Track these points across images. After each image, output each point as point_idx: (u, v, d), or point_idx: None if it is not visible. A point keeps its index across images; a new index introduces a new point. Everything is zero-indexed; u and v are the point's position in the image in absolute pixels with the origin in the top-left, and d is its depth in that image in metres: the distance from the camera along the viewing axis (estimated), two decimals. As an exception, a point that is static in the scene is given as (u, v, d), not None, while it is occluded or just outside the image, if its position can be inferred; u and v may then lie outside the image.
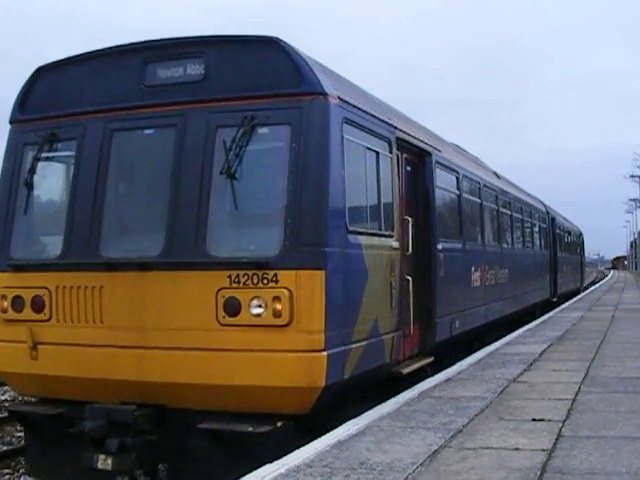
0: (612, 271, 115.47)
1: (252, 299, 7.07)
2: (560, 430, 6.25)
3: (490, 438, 6.01)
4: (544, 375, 9.33)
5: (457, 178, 12.59)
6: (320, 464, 5.34)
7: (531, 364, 10.33)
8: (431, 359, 10.50)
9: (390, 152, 9.09)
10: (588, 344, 12.59)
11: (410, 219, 9.92)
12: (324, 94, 7.37)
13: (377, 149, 8.66)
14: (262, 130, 7.45)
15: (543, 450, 5.59)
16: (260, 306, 7.06)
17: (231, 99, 7.54)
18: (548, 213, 26.16)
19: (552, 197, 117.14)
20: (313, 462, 5.40)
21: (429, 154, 10.81)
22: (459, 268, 12.24)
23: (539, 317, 20.12)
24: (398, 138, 9.44)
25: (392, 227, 8.97)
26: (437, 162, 11.14)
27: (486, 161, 20.39)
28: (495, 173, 17.72)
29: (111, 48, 8.19)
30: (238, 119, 7.37)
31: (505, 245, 16.92)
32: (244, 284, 7.11)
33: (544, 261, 24.10)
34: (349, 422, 7.03)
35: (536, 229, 22.93)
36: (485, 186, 14.96)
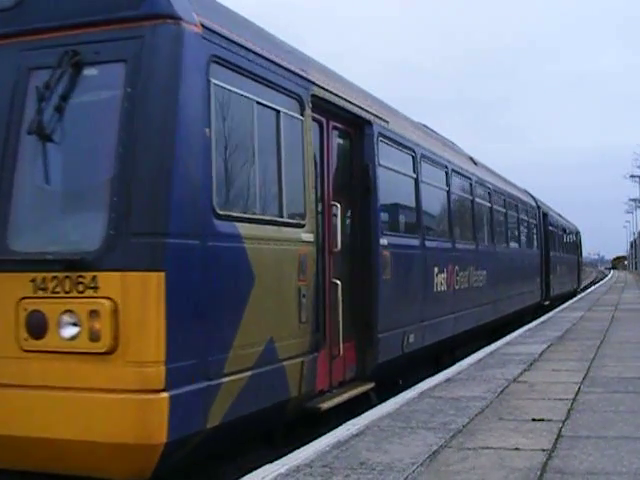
0: (612, 271, 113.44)
1: (62, 314, 4.87)
2: (560, 430, 6.16)
3: (490, 438, 5.92)
4: (544, 375, 9.16)
5: (413, 158, 10.26)
6: (320, 464, 5.20)
7: (531, 364, 10.09)
8: (370, 385, 8.24)
9: (301, 114, 6.85)
10: (588, 344, 12.34)
11: (339, 205, 7.70)
12: (175, 18, 5.14)
13: (277, 107, 6.42)
14: (89, 71, 5.21)
15: (543, 450, 5.51)
16: (74, 324, 4.86)
17: (49, 30, 5.31)
18: (539, 208, 23.73)
19: (552, 197, 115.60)
20: (313, 462, 5.26)
21: (369, 123, 8.54)
22: (415, 269, 9.98)
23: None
24: (317, 97, 7.20)
25: (303, 214, 6.74)
26: (381, 135, 8.87)
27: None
28: (471, 159, 15.32)
29: None
30: (57, 57, 5.16)
31: (483, 242, 14.58)
32: (53, 292, 4.91)
33: (534, 261, 21.75)
34: (349, 422, 6.59)
35: (524, 225, 20.56)
36: (455, 171, 12.60)
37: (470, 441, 5.80)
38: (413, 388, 8.36)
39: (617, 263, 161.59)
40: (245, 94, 5.93)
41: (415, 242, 10.06)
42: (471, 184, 13.84)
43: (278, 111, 6.42)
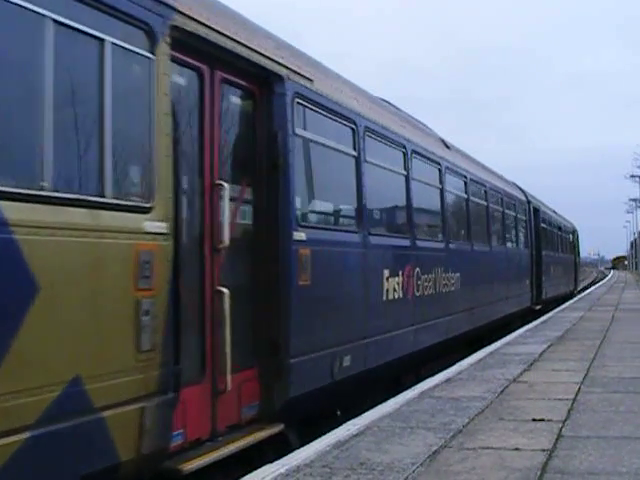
0: (612, 271, 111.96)
1: None
2: (560, 430, 6.10)
3: (490, 438, 5.84)
4: (544, 375, 9.11)
5: (353, 130, 8.12)
6: (320, 464, 5.09)
7: (531, 364, 10.03)
8: (277, 428, 6.13)
9: (151, 51, 4.76)
10: (588, 344, 12.26)
11: (227, 186, 5.62)
12: None
13: (100, 34, 4.35)
14: None
15: (543, 450, 5.44)
16: None
17: None
18: (529, 203, 21.51)
19: (552, 197, 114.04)
20: (313, 462, 5.15)
21: (280, 80, 6.45)
22: (352, 272, 7.83)
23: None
24: (187, 33, 5.13)
25: (149, 193, 4.66)
26: (300, 96, 6.76)
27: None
28: (443, 141, 13.13)
29: None
30: None
31: (455, 240, 12.43)
32: None
33: (523, 261, 19.60)
34: (349, 422, 6.45)
35: (510, 221, 18.34)
36: (417, 153, 10.43)
37: (470, 441, 5.75)
38: (413, 388, 8.18)
39: (617, 263, 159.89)
40: (30, 7, 3.85)
41: (354, 238, 7.91)
42: (440, 170, 11.67)
43: (101, 40, 4.35)
